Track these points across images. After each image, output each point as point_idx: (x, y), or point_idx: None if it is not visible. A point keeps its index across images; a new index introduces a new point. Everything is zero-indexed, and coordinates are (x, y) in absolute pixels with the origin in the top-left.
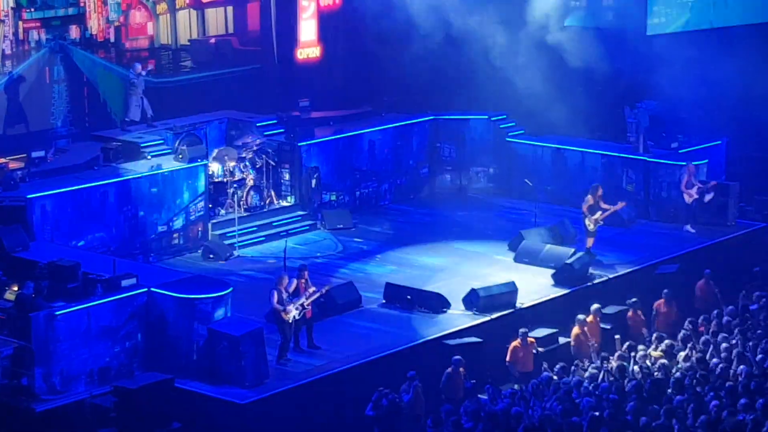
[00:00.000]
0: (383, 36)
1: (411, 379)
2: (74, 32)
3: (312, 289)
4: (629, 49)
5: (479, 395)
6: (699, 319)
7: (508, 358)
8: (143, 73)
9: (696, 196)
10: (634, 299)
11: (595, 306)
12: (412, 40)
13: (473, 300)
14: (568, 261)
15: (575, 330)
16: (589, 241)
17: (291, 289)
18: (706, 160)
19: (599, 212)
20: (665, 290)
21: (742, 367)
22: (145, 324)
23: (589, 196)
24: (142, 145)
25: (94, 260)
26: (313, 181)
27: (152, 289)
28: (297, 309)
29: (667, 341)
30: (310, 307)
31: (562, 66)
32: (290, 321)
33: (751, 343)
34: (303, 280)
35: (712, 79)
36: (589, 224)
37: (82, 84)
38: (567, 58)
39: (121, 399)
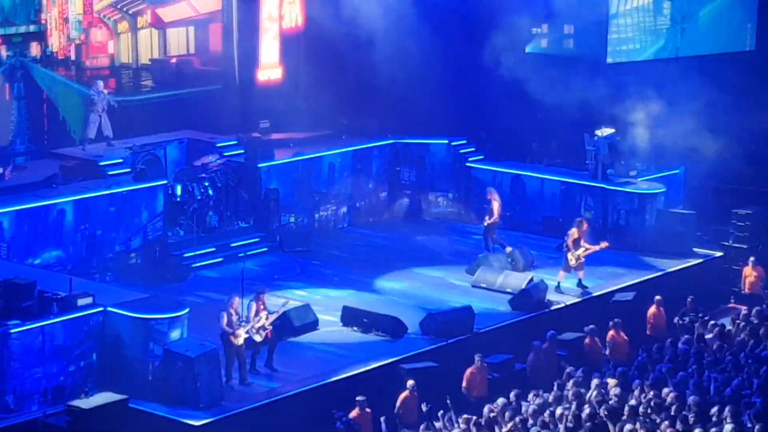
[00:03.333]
0: (346, 59)
1: (360, 402)
2: (35, 49)
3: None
4: (590, 77)
5: (434, 421)
6: (653, 347)
7: (464, 384)
8: (104, 91)
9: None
10: (591, 326)
11: (550, 333)
12: (374, 64)
13: (430, 324)
14: (525, 287)
15: (531, 356)
16: (580, 274)
17: (252, 313)
18: (664, 188)
19: (582, 249)
20: (615, 319)
21: (693, 397)
22: (101, 343)
23: (574, 229)
24: (100, 163)
25: (50, 279)
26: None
27: (108, 308)
28: (257, 332)
29: (620, 369)
30: (270, 327)
31: (523, 93)
32: (239, 344)
33: (706, 373)
34: (261, 303)
35: (671, 109)
36: (571, 259)
37: (42, 101)
38: (528, 85)
39: (74, 419)
